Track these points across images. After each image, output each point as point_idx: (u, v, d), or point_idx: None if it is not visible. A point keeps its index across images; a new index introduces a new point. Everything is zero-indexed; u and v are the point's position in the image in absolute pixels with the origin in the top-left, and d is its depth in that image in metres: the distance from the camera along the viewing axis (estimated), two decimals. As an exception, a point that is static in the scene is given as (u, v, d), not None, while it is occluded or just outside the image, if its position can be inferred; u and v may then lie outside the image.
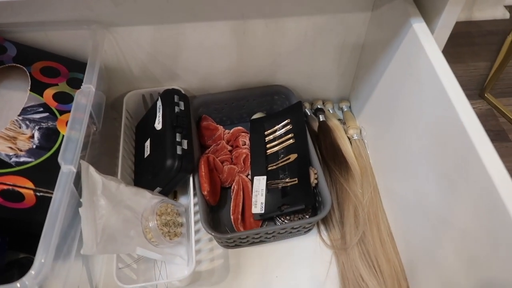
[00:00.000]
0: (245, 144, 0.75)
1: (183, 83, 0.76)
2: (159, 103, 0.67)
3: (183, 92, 0.72)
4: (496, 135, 1.02)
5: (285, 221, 0.65)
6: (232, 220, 0.67)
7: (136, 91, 0.75)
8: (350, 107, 0.85)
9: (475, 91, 1.14)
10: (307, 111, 0.83)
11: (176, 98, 0.68)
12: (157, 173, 0.61)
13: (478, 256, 0.43)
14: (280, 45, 0.70)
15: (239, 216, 0.67)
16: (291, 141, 0.70)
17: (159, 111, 0.66)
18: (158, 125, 0.64)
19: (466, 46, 1.24)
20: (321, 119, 0.80)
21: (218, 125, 0.76)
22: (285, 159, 0.69)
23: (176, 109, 0.66)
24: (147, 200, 0.61)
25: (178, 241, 0.62)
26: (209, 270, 0.65)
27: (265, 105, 0.80)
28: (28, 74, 0.58)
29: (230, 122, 0.82)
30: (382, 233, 0.64)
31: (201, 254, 0.67)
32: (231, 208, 0.68)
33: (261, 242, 0.66)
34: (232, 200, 0.69)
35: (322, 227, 0.69)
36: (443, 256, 0.51)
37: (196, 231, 0.68)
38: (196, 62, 0.71)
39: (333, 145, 0.75)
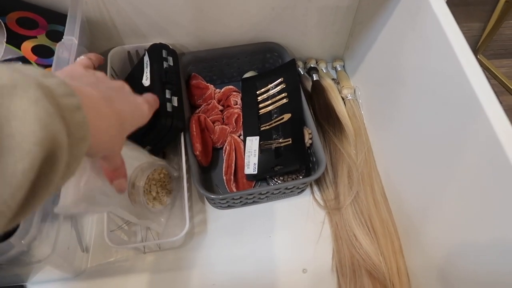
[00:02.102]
0: (236, 104, 0.72)
1: (171, 39, 0.71)
2: (146, 58, 0.63)
3: (171, 47, 0.68)
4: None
5: (279, 181, 0.64)
6: (225, 181, 0.66)
7: (121, 47, 0.70)
8: (344, 66, 0.83)
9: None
10: (300, 70, 0.80)
11: (164, 53, 0.64)
12: (146, 131, 0.59)
13: (476, 215, 0.43)
14: (273, -1, 0.66)
15: (232, 177, 0.65)
16: (284, 100, 0.68)
17: (146, 67, 0.63)
18: (146, 81, 0.61)
19: (460, 6, 1.22)
20: (314, 79, 0.78)
21: (208, 84, 0.73)
22: (278, 119, 0.67)
23: (165, 64, 0.63)
24: (137, 161, 0.59)
25: (166, 205, 0.61)
26: (202, 231, 0.64)
27: (257, 63, 0.77)
28: (3, 25, 0.53)
29: (220, 81, 0.79)
30: (375, 193, 0.64)
31: (193, 215, 0.66)
32: (224, 169, 0.66)
33: (254, 202, 0.65)
34: (224, 161, 0.67)
35: (315, 188, 0.68)
36: (437, 216, 0.51)
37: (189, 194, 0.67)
38: (183, 15, 0.67)
39: (326, 105, 0.73)
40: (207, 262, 0.61)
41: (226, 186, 0.66)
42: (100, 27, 0.67)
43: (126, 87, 0.40)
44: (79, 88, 0.29)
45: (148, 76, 0.61)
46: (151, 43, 0.68)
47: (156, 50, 0.64)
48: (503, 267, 0.39)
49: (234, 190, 0.65)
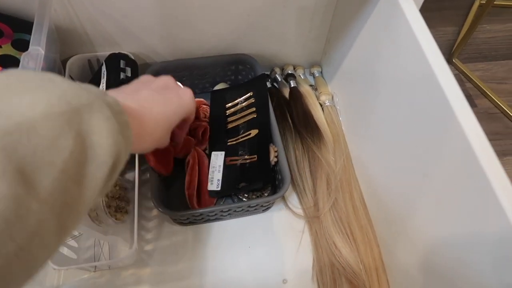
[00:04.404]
0: (205, 117, 0.70)
1: (145, 47, 0.70)
2: (103, 69, 0.62)
3: (131, 57, 0.66)
4: (463, 101, 1.04)
5: (244, 199, 0.63)
6: (187, 196, 0.62)
7: (81, 55, 0.68)
8: (321, 72, 0.82)
9: (443, 56, 1.14)
10: (277, 76, 0.79)
11: (122, 64, 0.63)
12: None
13: (451, 218, 0.43)
14: (248, 5, 0.66)
15: (194, 192, 0.62)
16: (253, 115, 0.66)
17: (103, 77, 0.61)
18: None
19: (435, 11, 1.23)
20: (292, 85, 0.77)
21: (178, 95, 0.71)
22: (245, 134, 0.66)
23: (122, 75, 0.61)
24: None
25: (124, 220, 0.59)
26: (163, 248, 0.62)
27: (229, 74, 0.75)
28: (-35, 34, 0.51)
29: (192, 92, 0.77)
30: (354, 200, 0.64)
31: (155, 230, 0.63)
32: (186, 183, 0.63)
33: (217, 219, 0.63)
34: (186, 174, 0.64)
35: (294, 196, 0.67)
36: (415, 222, 0.50)
37: (151, 208, 0.65)
38: (156, 23, 0.65)
39: (304, 112, 0.72)
40: (186, 275, 0.60)
41: (188, 202, 0.62)
42: (71, 35, 0.65)
43: (170, 83, 0.46)
44: (125, 106, 0.34)
45: (104, 87, 0.59)
46: (124, 52, 0.66)
47: (113, 60, 0.62)
48: (480, 271, 0.39)
49: (197, 206, 0.62)
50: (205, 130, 0.68)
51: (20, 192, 0.21)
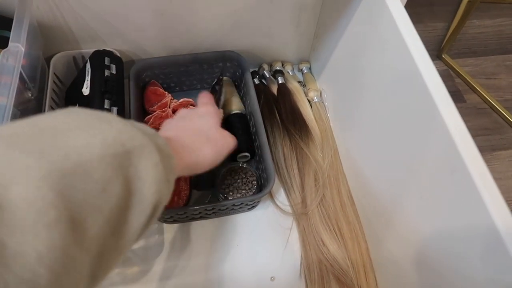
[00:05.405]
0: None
1: (132, 44, 0.69)
2: (88, 66, 0.61)
3: (116, 53, 0.65)
4: (452, 96, 1.03)
5: (229, 197, 0.62)
6: None
7: (65, 52, 0.67)
8: (310, 68, 0.82)
9: (432, 52, 1.14)
10: (265, 73, 0.79)
11: (107, 61, 0.62)
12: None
13: (435, 216, 0.43)
14: (234, 0, 0.65)
15: None
16: None
17: (87, 75, 0.60)
18: (86, 90, 0.59)
19: (425, 6, 1.23)
20: (280, 82, 0.77)
21: (165, 92, 0.70)
22: None
23: (106, 72, 0.60)
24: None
25: None
26: (150, 246, 0.61)
27: (216, 72, 0.74)
28: None
29: (179, 88, 0.76)
30: (342, 196, 0.64)
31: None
32: None
33: (201, 218, 0.63)
34: None
35: (282, 193, 0.67)
36: (401, 217, 0.50)
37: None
38: (143, 19, 0.64)
39: (293, 109, 0.72)
40: (173, 273, 0.59)
41: None
42: (55, 32, 0.64)
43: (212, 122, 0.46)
44: (172, 147, 0.32)
45: (89, 84, 0.59)
46: (110, 49, 0.65)
47: (98, 57, 0.62)
48: (467, 263, 0.39)
49: None
50: None
51: (69, 242, 0.20)
